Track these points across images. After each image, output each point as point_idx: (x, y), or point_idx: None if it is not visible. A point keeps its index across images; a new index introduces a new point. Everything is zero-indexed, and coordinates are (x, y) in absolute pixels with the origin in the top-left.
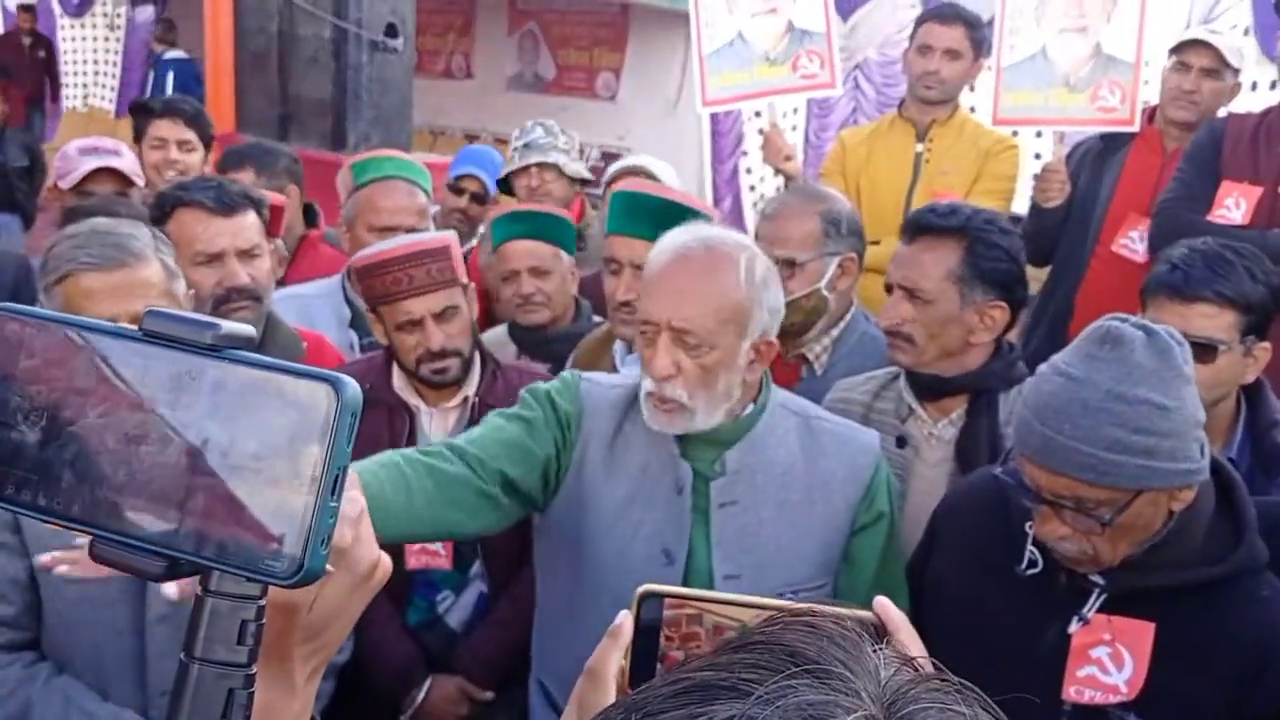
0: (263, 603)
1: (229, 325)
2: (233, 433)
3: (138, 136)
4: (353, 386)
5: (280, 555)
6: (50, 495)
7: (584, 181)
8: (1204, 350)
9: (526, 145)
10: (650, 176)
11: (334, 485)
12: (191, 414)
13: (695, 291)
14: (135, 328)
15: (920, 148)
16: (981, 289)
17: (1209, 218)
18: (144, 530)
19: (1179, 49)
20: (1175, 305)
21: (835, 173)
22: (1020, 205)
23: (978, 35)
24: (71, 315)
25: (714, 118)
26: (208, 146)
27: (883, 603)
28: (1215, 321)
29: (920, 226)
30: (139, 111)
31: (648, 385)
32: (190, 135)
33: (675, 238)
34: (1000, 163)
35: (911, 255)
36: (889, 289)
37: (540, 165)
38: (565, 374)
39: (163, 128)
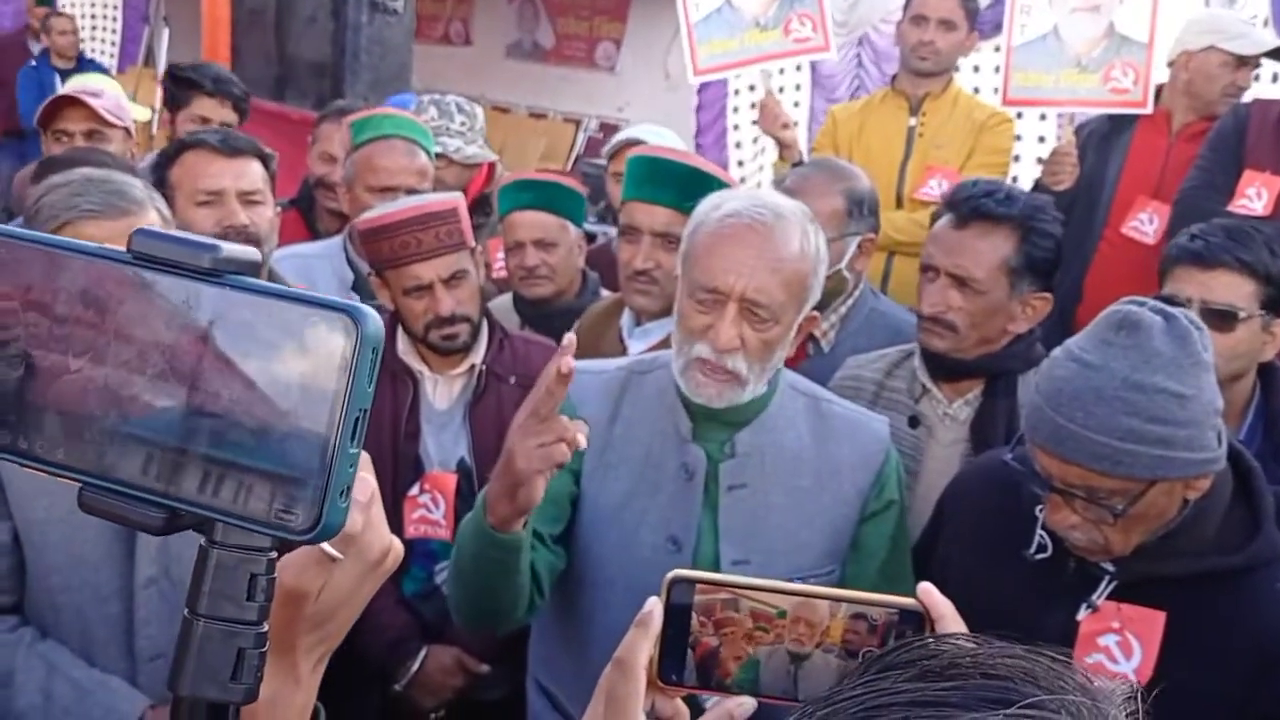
0: (274, 555)
1: (230, 247)
2: (237, 369)
3: (173, 104)
4: (374, 318)
5: (295, 507)
6: (32, 438)
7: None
8: (1224, 318)
9: None
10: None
11: (354, 429)
12: (189, 348)
13: (771, 262)
14: (124, 250)
15: (914, 121)
16: (1030, 279)
17: (1230, 208)
18: (139, 477)
19: (1254, 58)
20: (1196, 273)
21: (827, 147)
22: (1021, 188)
23: (972, 6)
24: (54, 236)
25: (700, 92)
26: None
27: (928, 589)
28: (1236, 291)
29: (975, 212)
30: (180, 83)
31: (701, 353)
32: (234, 117)
33: (734, 202)
34: (995, 136)
35: (964, 242)
36: (925, 270)
37: None
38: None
39: (207, 106)
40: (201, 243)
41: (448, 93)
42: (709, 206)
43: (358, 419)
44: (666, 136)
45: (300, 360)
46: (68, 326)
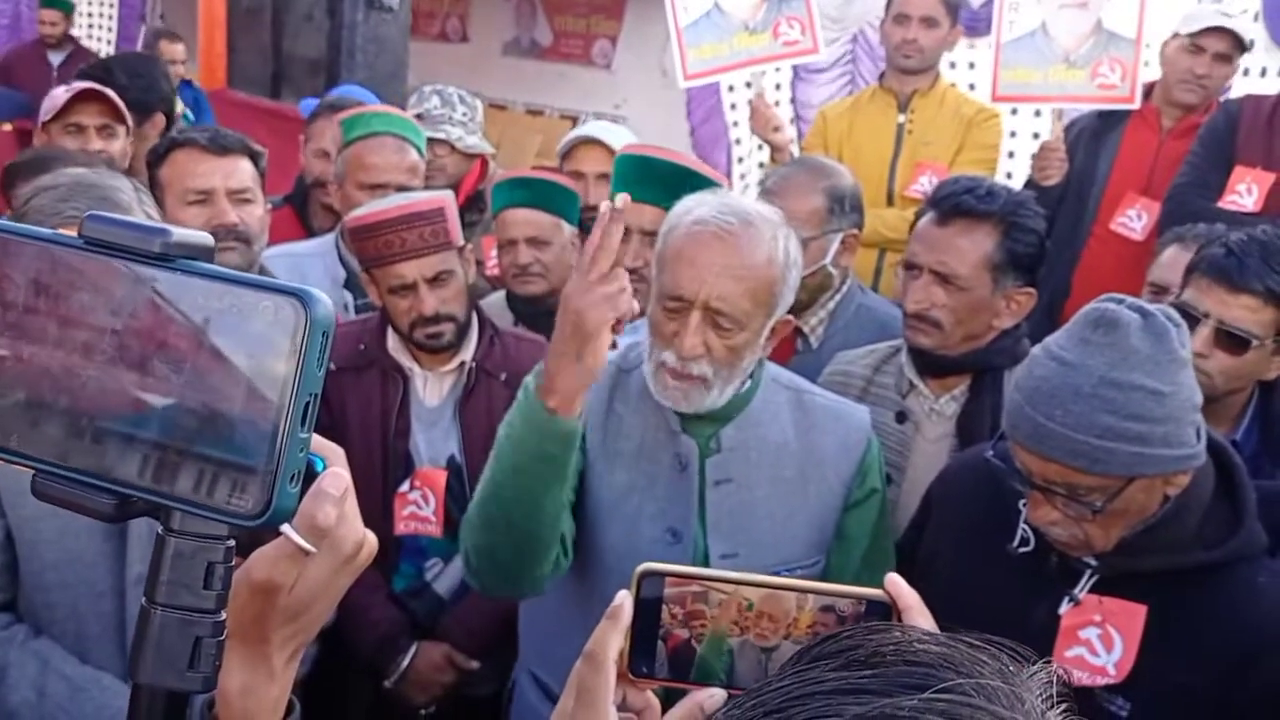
0: (231, 543)
1: (181, 232)
2: (187, 354)
3: None
4: (324, 302)
5: (245, 493)
6: None
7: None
8: (1238, 342)
9: (419, 116)
10: (606, 147)
11: (304, 414)
12: (140, 333)
13: (735, 270)
14: (75, 235)
15: (902, 119)
16: (1013, 275)
17: (1220, 204)
18: (91, 464)
19: (1197, 33)
20: (1221, 291)
21: (817, 146)
22: (1017, 184)
23: (953, 1)
24: (3, 221)
25: (688, 92)
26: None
27: (894, 580)
28: (1256, 316)
29: (957, 209)
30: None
31: (666, 359)
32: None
33: (703, 208)
34: (983, 132)
35: (946, 239)
36: (909, 267)
37: (431, 140)
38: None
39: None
40: (151, 227)
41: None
42: (680, 211)
43: (308, 403)
44: (621, 134)
45: (250, 344)
46: (19, 313)
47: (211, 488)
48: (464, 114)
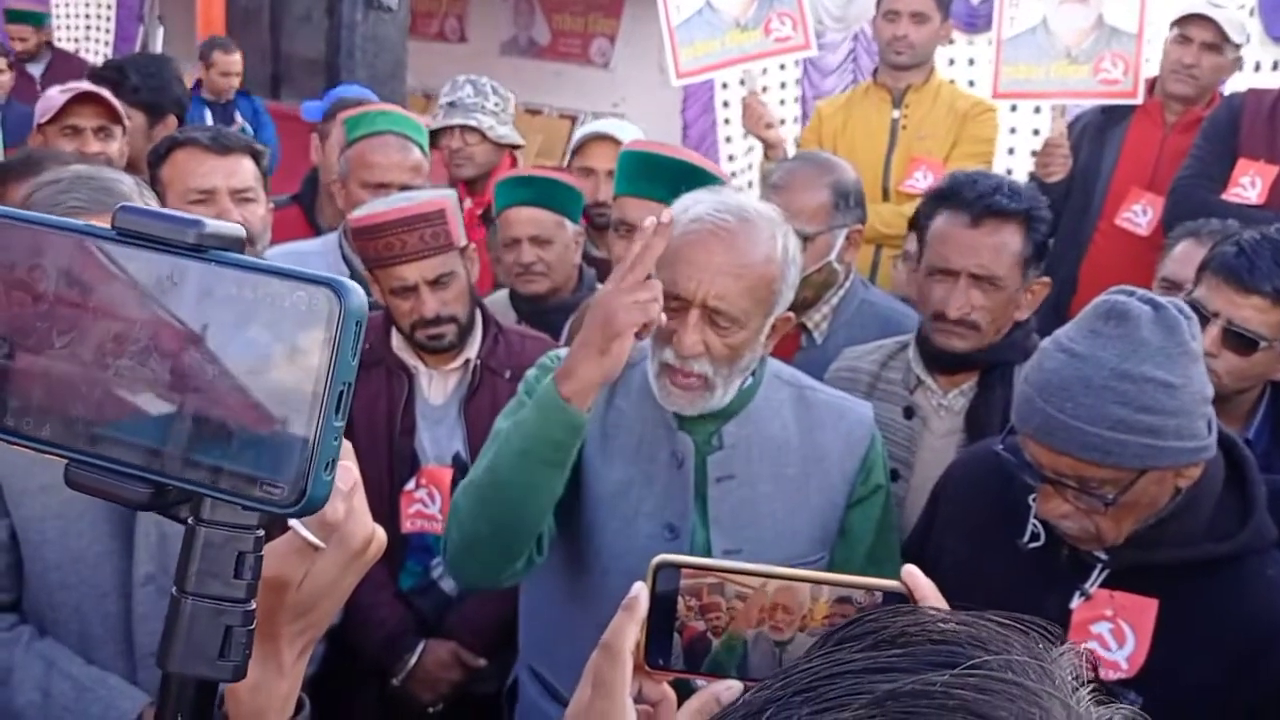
0: (261, 533)
1: (215, 223)
2: (222, 344)
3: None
4: (357, 292)
5: (279, 481)
6: (17, 416)
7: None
8: (1244, 343)
9: (452, 104)
10: (617, 143)
11: (338, 403)
12: (174, 324)
13: (733, 269)
14: (109, 227)
15: (897, 114)
16: (1034, 266)
17: (1224, 196)
18: (125, 453)
19: (1180, 21)
20: (1231, 292)
21: (812, 143)
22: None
23: None
24: (36, 214)
25: (686, 86)
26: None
27: (911, 571)
28: (1265, 317)
29: (990, 210)
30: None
31: (667, 358)
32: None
33: (700, 206)
34: (978, 126)
35: (984, 241)
36: (944, 273)
37: (463, 128)
38: (544, 360)
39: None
40: (186, 219)
41: (441, 90)
42: (678, 209)
43: (341, 392)
44: (632, 131)
45: (284, 334)
46: (52, 304)
47: (246, 475)
48: (496, 104)
